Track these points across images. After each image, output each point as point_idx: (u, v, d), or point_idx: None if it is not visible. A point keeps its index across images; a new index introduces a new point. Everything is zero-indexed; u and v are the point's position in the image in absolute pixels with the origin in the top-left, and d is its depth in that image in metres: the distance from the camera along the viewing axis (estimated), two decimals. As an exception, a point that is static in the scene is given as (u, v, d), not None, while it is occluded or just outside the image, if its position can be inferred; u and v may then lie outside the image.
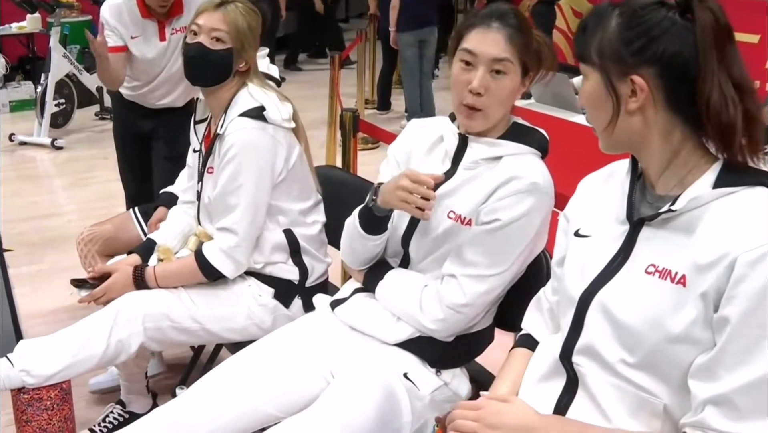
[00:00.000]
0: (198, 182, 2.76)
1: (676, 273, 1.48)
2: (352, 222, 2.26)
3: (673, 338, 1.46)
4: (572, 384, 1.65)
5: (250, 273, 2.68)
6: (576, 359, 1.63)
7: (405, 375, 2.11)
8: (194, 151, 2.84)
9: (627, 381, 1.54)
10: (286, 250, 2.69)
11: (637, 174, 1.65)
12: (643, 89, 1.49)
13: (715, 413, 1.41)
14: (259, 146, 2.56)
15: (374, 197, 2.15)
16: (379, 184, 2.18)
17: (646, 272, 1.53)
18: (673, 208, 1.50)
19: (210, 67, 2.61)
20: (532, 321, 1.92)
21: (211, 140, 2.68)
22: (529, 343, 1.89)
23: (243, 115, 2.56)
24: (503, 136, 2.15)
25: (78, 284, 2.71)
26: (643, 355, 1.51)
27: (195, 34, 2.61)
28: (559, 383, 1.67)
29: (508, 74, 2.05)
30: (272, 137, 2.58)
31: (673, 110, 1.50)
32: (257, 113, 2.56)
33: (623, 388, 1.54)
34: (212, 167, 2.66)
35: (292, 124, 2.66)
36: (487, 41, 2.04)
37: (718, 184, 1.49)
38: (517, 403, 1.66)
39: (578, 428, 1.58)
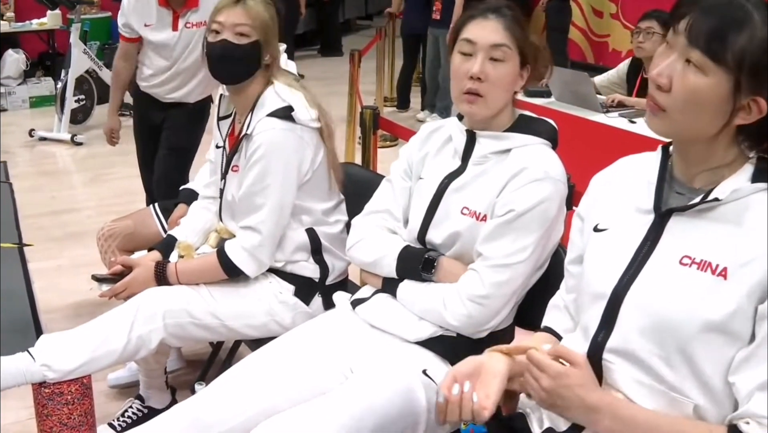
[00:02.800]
0: (221, 179, 2.77)
1: (717, 265, 1.46)
2: (383, 253, 2.28)
3: (710, 329, 1.45)
4: (598, 381, 1.62)
5: (270, 270, 2.68)
6: (607, 356, 1.60)
7: (424, 371, 2.10)
8: (217, 147, 2.84)
9: (659, 379, 1.52)
10: (308, 249, 2.69)
11: (667, 165, 1.63)
12: (762, 111, 1.44)
13: (763, 399, 1.39)
14: (287, 147, 2.56)
15: (431, 273, 2.19)
16: (439, 255, 2.20)
17: (681, 263, 1.51)
18: (719, 197, 1.48)
19: (238, 63, 2.60)
20: (553, 318, 1.90)
21: (236, 139, 2.68)
22: (551, 332, 1.87)
23: (271, 115, 2.55)
24: (510, 129, 2.17)
25: (99, 279, 2.72)
26: (678, 348, 1.48)
27: (217, 32, 2.59)
28: None
29: (507, 61, 2.10)
30: (300, 138, 2.58)
31: (749, 131, 1.49)
32: (285, 113, 2.56)
33: (654, 387, 1.53)
34: (237, 166, 2.66)
35: (319, 124, 2.65)
36: (485, 29, 2.10)
37: (756, 178, 1.48)
38: (587, 373, 1.57)
39: (645, 415, 1.52)
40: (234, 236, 2.68)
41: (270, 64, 2.65)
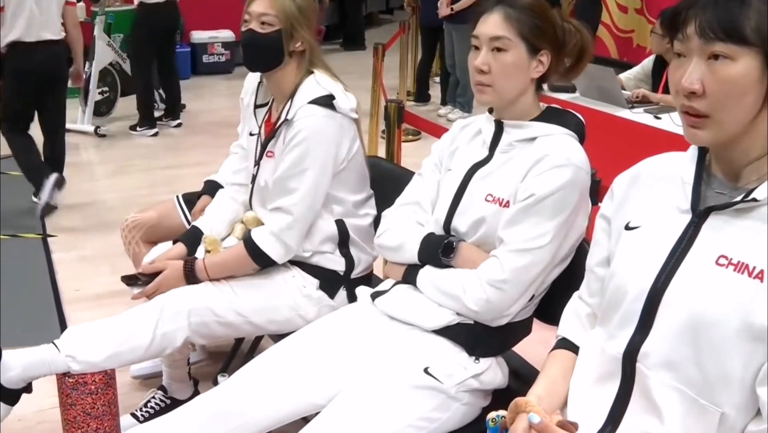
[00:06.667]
0: (254, 165, 2.78)
1: (755, 267, 1.44)
2: (407, 238, 2.30)
3: (744, 332, 1.42)
4: (627, 384, 1.60)
5: (295, 263, 2.69)
6: (641, 357, 1.57)
7: (426, 370, 2.10)
8: (251, 134, 2.86)
9: (689, 383, 1.49)
10: (335, 240, 2.70)
11: (703, 164, 1.60)
12: None
13: None
14: (327, 134, 2.59)
15: (450, 257, 2.20)
16: (459, 240, 2.21)
17: (717, 263, 1.48)
18: (757, 198, 1.46)
19: (262, 52, 2.65)
20: (570, 328, 1.87)
21: (272, 126, 2.71)
22: (568, 345, 1.85)
23: (312, 102, 2.59)
24: (537, 120, 2.20)
25: (129, 281, 2.73)
26: (711, 350, 1.46)
27: (247, 22, 2.65)
28: (613, 385, 1.62)
29: (509, 50, 2.13)
30: (339, 126, 2.61)
31: None
32: (326, 101, 2.59)
33: (684, 392, 1.50)
34: (272, 152, 2.68)
35: (356, 115, 2.69)
36: (486, 23, 2.15)
37: None
38: None
39: None
40: (261, 224, 2.69)
41: (303, 51, 2.67)
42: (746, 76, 1.43)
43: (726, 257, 1.48)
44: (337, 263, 2.71)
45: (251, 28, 2.63)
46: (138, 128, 7.71)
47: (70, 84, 5.69)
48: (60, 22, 5.37)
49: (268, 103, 2.82)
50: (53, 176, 5.35)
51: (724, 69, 1.43)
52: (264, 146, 2.72)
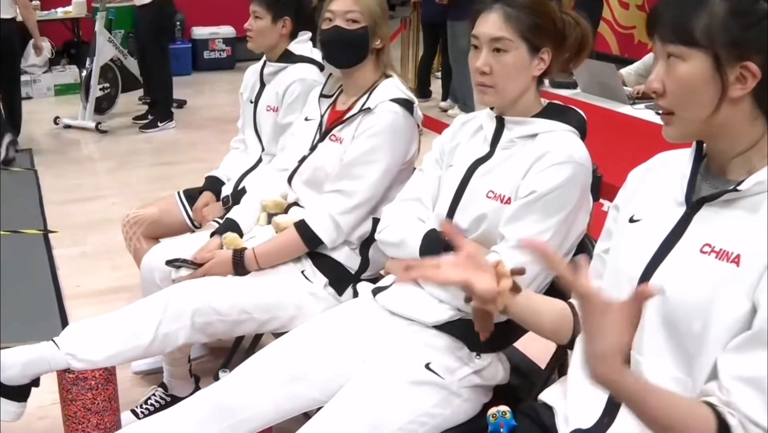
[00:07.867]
0: (309, 149, 2.81)
1: (732, 252, 1.47)
2: (409, 234, 2.29)
3: (722, 318, 1.44)
4: None
5: (309, 254, 2.70)
6: (634, 344, 1.53)
7: (427, 366, 2.10)
8: (306, 119, 2.91)
9: (677, 369, 1.51)
10: (364, 237, 2.71)
11: (700, 158, 1.63)
12: (756, 75, 1.45)
13: (745, 394, 1.38)
14: (403, 132, 2.64)
15: (452, 253, 2.18)
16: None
17: (701, 251, 1.51)
18: (739, 188, 1.48)
19: (350, 48, 2.70)
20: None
21: (339, 114, 2.75)
22: (573, 308, 1.85)
23: (394, 101, 2.63)
24: (538, 116, 2.19)
25: (176, 265, 2.74)
26: (694, 336, 1.48)
27: (330, 20, 2.70)
28: None
29: (510, 51, 2.11)
30: (412, 129, 2.67)
31: (759, 100, 1.49)
32: (408, 105, 2.64)
33: (674, 378, 1.51)
34: (337, 136, 2.72)
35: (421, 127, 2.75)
36: (486, 23, 2.12)
37: None
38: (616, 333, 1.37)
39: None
40: (286, 206, 2.74)
41: (380, 48, 2.73)
42: (697, 75, 1.49)
43: (710, 245, 1.51)
44: (352, 260, 2.71)
45: (337, 25, 2.68)
46: (159, 123, 7.78)
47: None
48: (12, 4, 6.54)
49: (333, 95, 2.87)
50: (8, 136, 6.51)
51: (677, 68, 1.51)
52: (328, 131, 2.75)
